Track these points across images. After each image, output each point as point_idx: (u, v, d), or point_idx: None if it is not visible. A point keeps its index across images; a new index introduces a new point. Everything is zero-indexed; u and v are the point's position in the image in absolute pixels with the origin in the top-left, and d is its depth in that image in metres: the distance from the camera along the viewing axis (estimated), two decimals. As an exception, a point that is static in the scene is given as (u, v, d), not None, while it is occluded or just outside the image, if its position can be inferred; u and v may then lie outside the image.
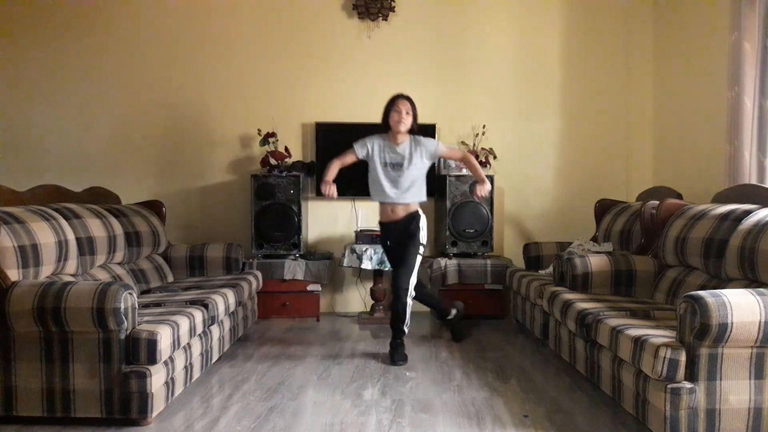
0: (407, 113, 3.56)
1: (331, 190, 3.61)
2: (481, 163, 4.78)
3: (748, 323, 2.15)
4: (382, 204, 3.66)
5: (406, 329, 3.59)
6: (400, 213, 3.63)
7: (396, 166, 3.59)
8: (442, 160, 4.89)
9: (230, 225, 4.92)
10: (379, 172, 3.61)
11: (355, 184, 3.90)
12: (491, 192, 4.63)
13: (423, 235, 3.65)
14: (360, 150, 3.65)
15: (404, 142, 3.62)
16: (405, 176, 3.59)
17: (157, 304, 3.13)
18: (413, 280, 3.57)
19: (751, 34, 3.51)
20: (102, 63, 4.90)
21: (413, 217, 3.65)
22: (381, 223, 3.74)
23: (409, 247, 3.60)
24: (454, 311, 4.04)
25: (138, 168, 4.94)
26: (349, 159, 3.69)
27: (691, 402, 2.20)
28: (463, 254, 4.68)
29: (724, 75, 3.73)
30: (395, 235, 3.67)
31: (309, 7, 4.96)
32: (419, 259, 3.62)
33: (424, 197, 3.69)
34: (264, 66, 4.96)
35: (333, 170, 3.66)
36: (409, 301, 3.57)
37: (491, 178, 4.65)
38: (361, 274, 4.98)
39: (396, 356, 3.50)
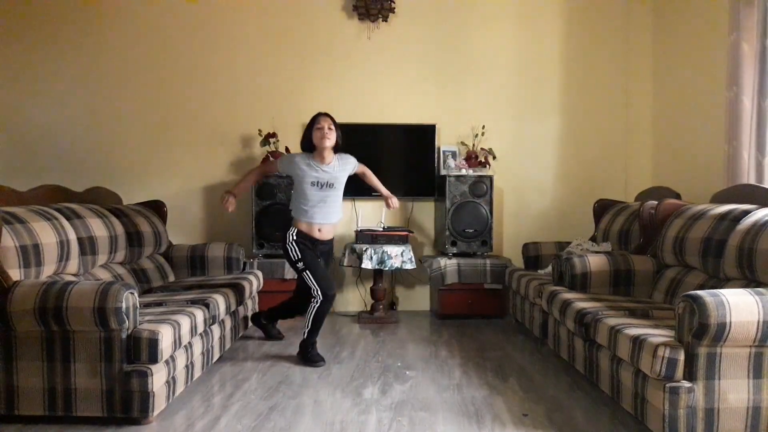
0: (329, 128, 3.52)
1: (230, 202, 3.58)
2: (480, 163, 4.81)
3: (747, 323, 2.16)
4: (309, 222, 3.55)
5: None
6: (327, 233, 3.63)
7: (326, 186, 3.54)
8: (442, 160, 4.91)
9: (231, 225, 4.93)
10: (307, 191, 3.52)
11: (355, 184, 3.91)
12: (491, 191, 4.66)
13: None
14: (284, 165, 3.61)
15: (332, 161, 3.58)
16: (334, 196, 3.58)
17: (159, 304, 3.14)
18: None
19: (749, 34, 3.52)
20: (103, 63, 4.91)
21: (332, 239, 3.72)
22: (306, 235, 3.54)
23: (330, 261, 3.80)
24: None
25: (139, 168, 4.95)
26: (269, 171, 3.77)
27: (690, 401, 2.21)
28: (462, 254, 4.69)
29: (723, 75, 3.74)
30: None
31: (309, 8, 4.97)
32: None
33: (341, 215, 3.72)
34: (265, 67, 4.98)
35: (243, 184, 3.70)
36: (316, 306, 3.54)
37: (490, 178, 4.68)
38: (361, 273, 4.99)
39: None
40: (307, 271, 3.48)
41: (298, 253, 3.50)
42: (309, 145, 3.57)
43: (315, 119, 3.56)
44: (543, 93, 5.10)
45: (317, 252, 3.60)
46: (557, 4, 5.07)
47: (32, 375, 2.52)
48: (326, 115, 3.58)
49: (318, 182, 3.53)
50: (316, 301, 3.45)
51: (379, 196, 3.95)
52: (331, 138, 3.52)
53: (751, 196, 3.08)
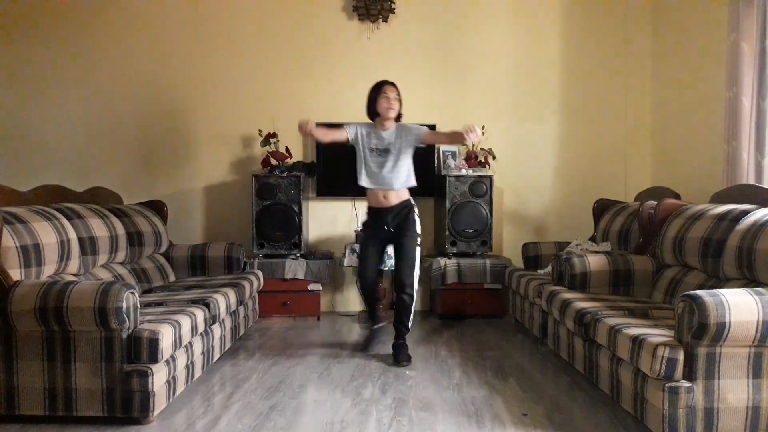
0: (395, 99, 3.55)
1: (310, 126, 3.36)
2: (480, 163, 4.81)
3: (746, 322, 2.16)
4: (372, 190, 3.58)
5: (409, 328, 3.59)
6: (393, 199, 3.56)
7: (383, 152, 3.55)
8: (442, 160, 4.91)
9: (231, 225, 4.94)
10: (367, 157, 3.56)
11: (355, 184, 3.91)
12: (490, 191, 4.66)
13: (419, 228, 3.59)
14: (350, 130, 3.58)
15: (390, 128, 3.59)
16: (392, 162, 3.53)
17: (159, 304, 3.14)
18: (417, 276, 3.53)
19: (749, 35, 3.52)
20: (103, 63, 4.91)
21: (407, 206, 3.58)
22: (372, 208, 3.62)
23: (408, 240, 3.52)
24: (381, 324, 3.83)
25: (140, 168, 4.95)
26: (338, 135, 3.57)
27: (690, 401, 2.21)
28: (462, 254, 4.69)
29: (723, 76, 3.75)
30: (389, 222, 3.55)
31: (309, 8, 4.97)
32: (419, 252, 3.56)
33: (413, 182, 3.62)
34: (265, 67, 4.98)
35: (322, 134, 3.53)
36: (416, 297, 3.55)
37: (490, 178, 4.69)
38: (361, 273, 4.99)
39: (400, 357, 3.48)
40: (359, 259, 3.71)
41: (361, 237, 3.74)
42: (373, 112, 3.59)
43: (381, 87, 3.56)
44: (543, 93, 5.10)
45: (387, 224, 3.53)
46: (557, 5, 5.07)
47: (33, 375, 2.52)
48: (392, 84, 3.58)
49: (374, 148, 3.56)
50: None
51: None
52: (395, 108, 3.55)
53: (750, 196, 3.09)
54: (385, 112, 3.53)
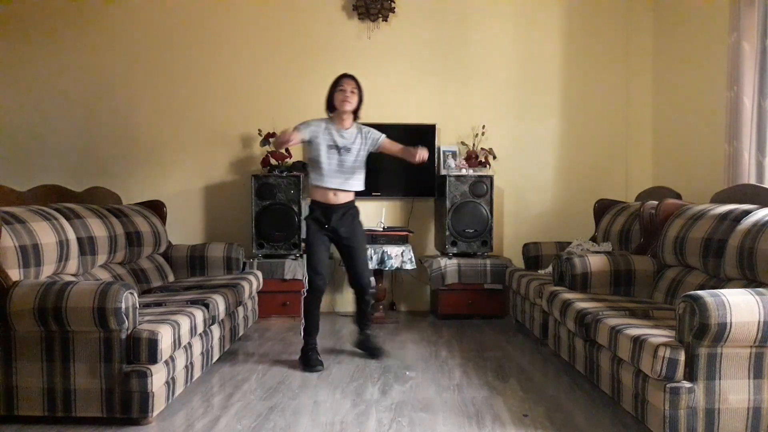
0: (352, 92, 3.45)
1: (289, 136, 3.33)
2: (480, 163, 4.80)
3: (747, 323, 2.16)
4: (322, 188, 3.44)
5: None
6: (342, 199, 3.47)
7: (342, 150, 3.43)
8: (442, 160, 4.90)
9: (231, 225, 4.93)
10: (322, 154, 3.41)
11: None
12: (491, 191, 4.65)
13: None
14: (304, 131, 3.40)
15: (351, 128, 3.51)
16: (351, 162, 3.46)
17: (158, 304, 3.13)
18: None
19: (750, 34, 3.51)
20: (103, 63, 4.91)
21: (353, 208, 3.53)
22: (318, 203, 3.45)
23: (361, 242, 3.55)
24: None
25: (139, 168, 4.95)
26: (297, 138, 3.42)
27: (690, 401, 2.20)
28: (462, 254, 4.68)
29: (724, 75, 3.74)
30: (333, 221, 3.44)
31: (309, 7, 4.97)
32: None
33: (362, 186, 3.57)
34: (264, 66, 4.97)
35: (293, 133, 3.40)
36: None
37: (490, 178, 4.68)
38: (361, 273, 4.98)
39: (378, 350, 3.52)
40: (306, 255, 3.42)
41: (307, 230, 3.46)
42: (331, 107, 3.50)
43: (338, 80, 3.48)
44: (543, 93, 5.10)
45: (332, 223, 3.42)
46: (557, 4, 5.07)
47: (32, 375, 2.51)
48: (350, 77, 3.49)
49: (336, 145, 3.44)
50: (303, 293, 3.36)
51: (379, 195, 3.94)
52: (352, 101, 3.44)
53: (751, 196, 3.08)
54: (340, 104, 3.43)
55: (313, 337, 3.47)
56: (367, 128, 3.58)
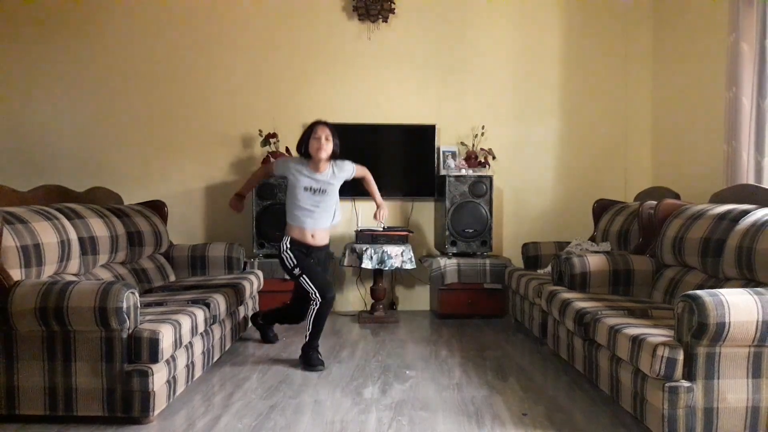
0: (326, 139, 3.45)
1: (238, 205, 3.72)
2: (480, 163, 4.81)
3: (746, 322, 2.17)
4: (301, 228, 3.51)
5: None
6: (321, 239, 3.57)
7: (318, 192, 3.50)
8: (442, 160, 4.91)
9: (232, 225, 4.94)
10: (299, 196, 3.48)
11: (355, 184, 3.91)
12: (490, 191, 4.67)
13: None
14: (279, 168, 3.58)
15: (327, 169, 3.54)
16: (327, 201, 3.53)
17: (159, 304, 3.14)
18: None
19: (749, 35, 3.52)
20: (103, 63, 4.91)
21: (328, 247, 3.73)
22: (299, 242, 3.51)
23: (328, 266, 3.97)
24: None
25: (140, 168, 4.96)
26: (270, 172, 3.68)
27: (689, 401, 2.21)
28: (462, 254, 4.69)
29: (722, 76, 3.75)
30: (314, 256, 3.57)
31: (309, 8, 4.97)
32: None
33: (339, 218, 3.70)
34: (265, 67, 4.98)
35: (248, 185, 3.78)
36: None
37: (490, 179, 4.69)
38: (361, 273, 5.00)
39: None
40: (304, 276, 3.44)
41: (293, 260, 3.47)
42: (305, 151, 3.52)
43: (313, 128, 3.49)
44: (543, 93, 5.10)
45: (313, 259, 3.56)
46: (557, 5, 5.07)
47: (33, 375, 2.52)
48: (325, 124, 3.50)
49: (311, 188, 3.49)
50: (315, 304, 3.40)
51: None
52: (327, 149, 3.45)
53: (750, 196, 3.09)
54: (315, 153, 3.45)
55: (316, 338, 3.49)
56: (339, 162, 3.61)
